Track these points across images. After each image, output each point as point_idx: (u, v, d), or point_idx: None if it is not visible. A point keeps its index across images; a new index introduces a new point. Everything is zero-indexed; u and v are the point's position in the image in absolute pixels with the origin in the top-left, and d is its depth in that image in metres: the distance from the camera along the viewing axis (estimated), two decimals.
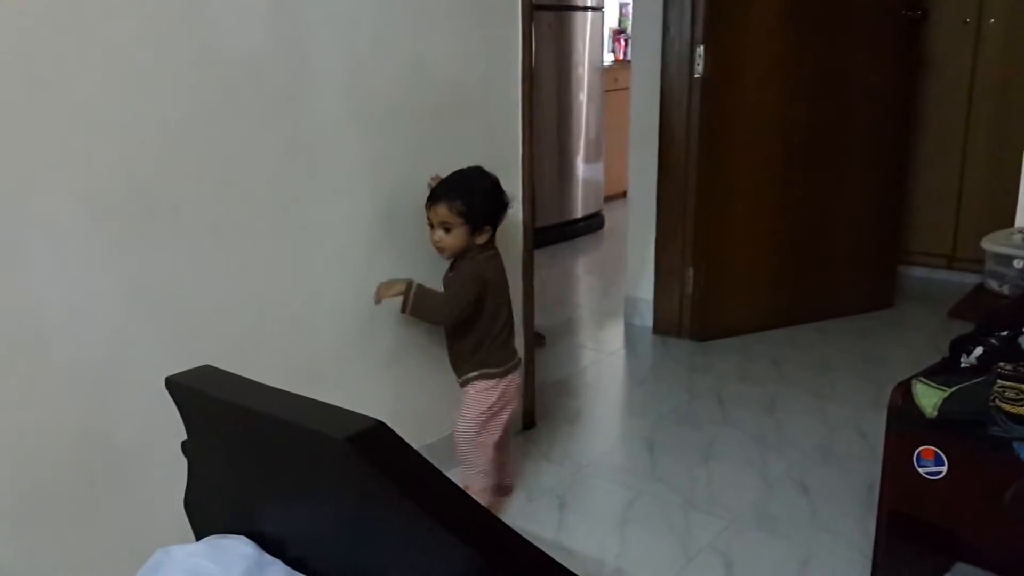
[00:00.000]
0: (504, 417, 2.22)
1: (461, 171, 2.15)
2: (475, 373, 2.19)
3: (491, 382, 2.18)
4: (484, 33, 2.40)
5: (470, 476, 2.20)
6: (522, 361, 2.31)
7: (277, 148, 1.94)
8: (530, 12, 2.51)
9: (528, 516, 2.29)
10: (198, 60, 1.76)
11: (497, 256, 2.17)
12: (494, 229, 2.14)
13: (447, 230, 2.08)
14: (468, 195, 2.07)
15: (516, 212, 2.59)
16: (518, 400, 2.30)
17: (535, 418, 2.81)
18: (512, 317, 2.24)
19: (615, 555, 2.13)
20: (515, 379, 2.23)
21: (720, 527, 2.23)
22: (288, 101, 1.95)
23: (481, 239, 2.11)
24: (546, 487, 2.44)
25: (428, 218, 2.11)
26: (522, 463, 2.57)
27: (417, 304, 2.11)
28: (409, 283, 2.11)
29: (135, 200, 1.70)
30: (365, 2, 2.07)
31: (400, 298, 2.11)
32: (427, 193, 2.12)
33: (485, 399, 2.18)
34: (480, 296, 2.13)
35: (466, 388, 2.21)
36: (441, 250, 2.12)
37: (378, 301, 2.14)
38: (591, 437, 2.80)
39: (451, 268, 2.18)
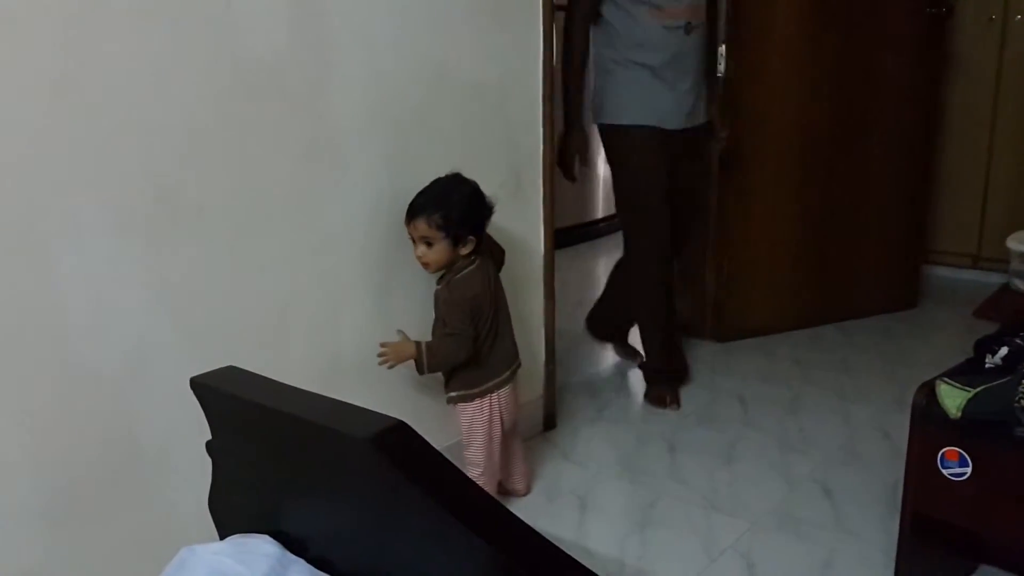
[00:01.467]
0: (498, 432, 2.19)
1: (438, 180, 2.09)
2: (455, 394, 2.17)
3: (473, 404, 2.16)
4: (505, 33, 2.41)
5: (471, 475, 2.20)
6: (514, 371, 2.25)
7: (299, 150, 1.96)
8: (551, 12, 2.51)
9: (548, 517, 2.29)
10: (221, 63, 1.78)
11: (482, 266, 2.12)
12: (479, 238, 2.09)
13: (429, 245, 2.04)
14: (446, 207, 2.01)
15: (537, 213, 2.60)
16: (513, 411, 2.26)
17: (556, 419, 2.81)
18: (499, 327, 2.19)
19: (636, 556, 2.12)
20: (502, 396, 2.18)
21: (742, 529, 2.22)
22: (310, 103, 1.96)
23: (465, 250, 2.06)
24: (566, 488, 2.44)
25: (409, 234, 2.07)
26: (542, 464, 2.58)
27: (431, 362, 2.09)
28: (417, 345, 2.08)
29: (159, 203, 1.72)
30: (385, 4, 2.09)
31: (413, 363, 2.09)
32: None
33: (473, 420, 2.17)
34: (475, 313, 2.10)
35: (454, 407, 2.20)
36: (426, 265, 2.07)
37: (391, 367, 2.09)
38: (612, 437, 2.80)
39: (440, 281, 2.13)
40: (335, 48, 1.99)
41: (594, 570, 0.97)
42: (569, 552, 0.94)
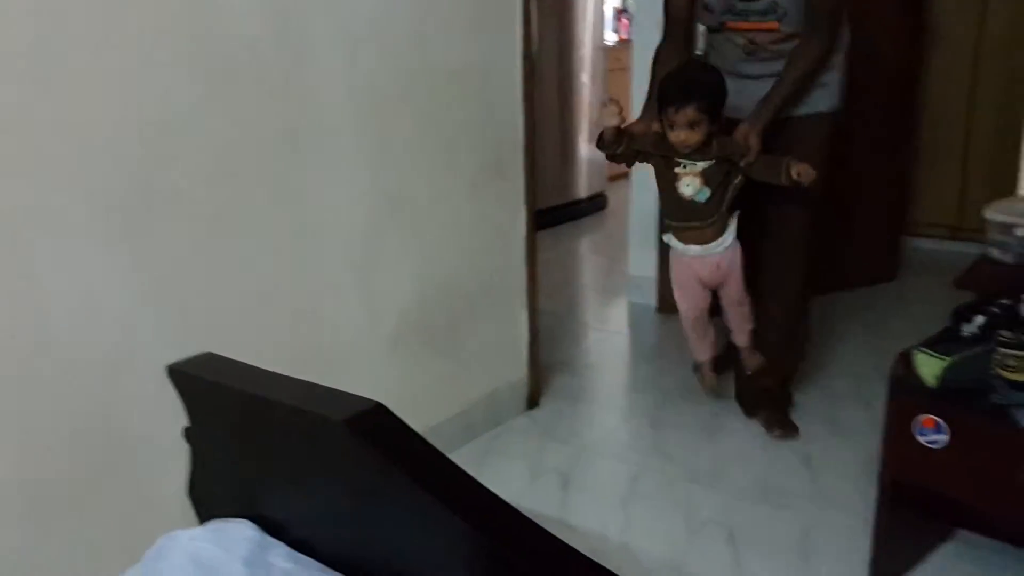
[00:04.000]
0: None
1: (690, 68, 2.32)
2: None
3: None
4: (484, 14, 2.40)
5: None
6: None
7: (277, 134, 1.95)
8: None
9: (532, 495, 2.31)
10: (197, 48, 1.76)
11: None
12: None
13: (692, 127, 2.19)
14: (711, 95, 2.21)
15: (518, 194, 2.60)
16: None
17: (539, 398, 2.82)
18: None
19: (619, 531, 2.14)
20: None
21: (723, 501, 2.24)
22: (288, 88, 1.95)
23: (714, 128, 2.24)
24: (550, 465, 2.46)
25: (669, 119, 2.21)
26: (525, 443, 2.59)
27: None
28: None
29: (136, 191, 1.70)
30: None
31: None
32: (431, 174, 2.13)
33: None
34: None
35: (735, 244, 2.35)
36: (687, 145, 2.23)
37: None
38: (595, 415, 2.82)
39: (697, 158, 2.26)
40: (313, 33, 1.97)
41: (577, 546, 0.97)
42: (552, 529, 0.95)
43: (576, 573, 0.95)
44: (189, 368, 1.17)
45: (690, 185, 2.28)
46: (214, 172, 1.84)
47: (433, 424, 2.36)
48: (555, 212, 5.02)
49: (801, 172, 2.16)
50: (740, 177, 2.28)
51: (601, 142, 2.34)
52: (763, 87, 2.32)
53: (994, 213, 2.09)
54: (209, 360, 1.19)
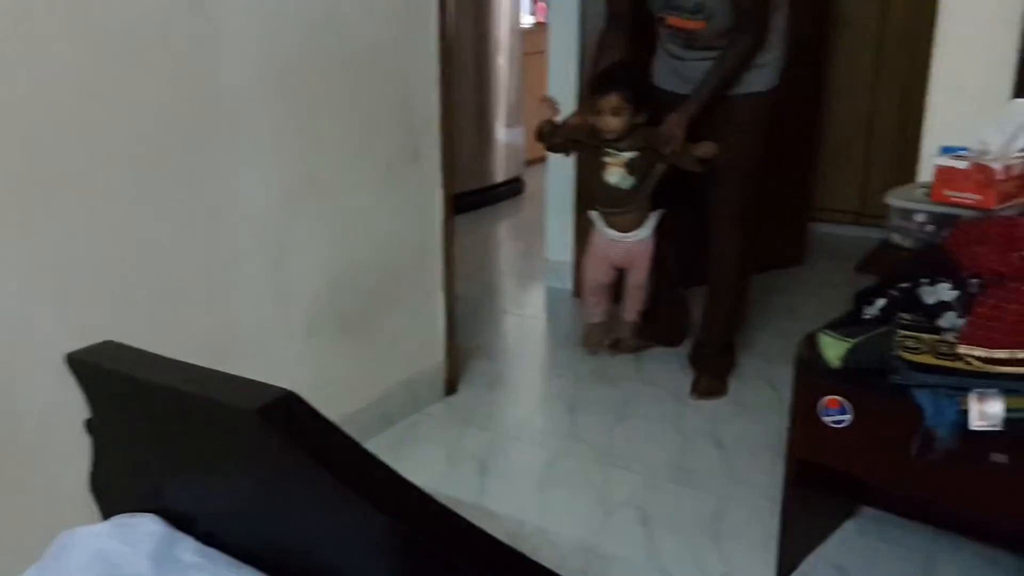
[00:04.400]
0: None
1: (617, 65, 2.56)
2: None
3: None
4: None
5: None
6: None
7: (186, 115, 1.88)
8: None
9: (450, 481, 2.30)
10: (97, 22, 1.68)
11: None
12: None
13: (616, 115, 2.50)
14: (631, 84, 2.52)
15: (435, 178, 2.57)
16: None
17: (457, 384, 2.82)
18: None
19: (536, 515, 2.16)
20: None
21: (638, 482, 2.28)
22: (195, 67, 1.88)
23: (640, 119, 2.54)
24: (468, 451, 2.46)
25: (599, 106, 2.51)
26: (443, 429, 2.58)
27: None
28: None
29: (34, 172, 1.62)
30: None
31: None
32: (345, 157, 2.17)
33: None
34: None
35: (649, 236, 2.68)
36: (609, 131, 2.54)
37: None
38: (512, 400, 2.83)
39: (623, 146, 2.57)
40: (220, 6, 1.90)
41: (495, 531, 0.97)
42: (470, 515, 0.95)
43: (492, 558, 0.94)
44: (89, 357, 1.12)
45: (615, 173, 2.57)
46: (116, 154, 1.76)
47: (349, 412, 2.33)
48: (472, 196, 5.00)
49: (704, 151, 2.44)
50: (661, 166, 2.57)
51: (540, 135, 2.65)
52: (702, 67, 2.51)
53: (895, 199, 2.16)
54: (110, 348, 1.14)
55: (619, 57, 2.62)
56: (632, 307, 2.88)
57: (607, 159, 2.57)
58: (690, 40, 2.52)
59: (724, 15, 2.40)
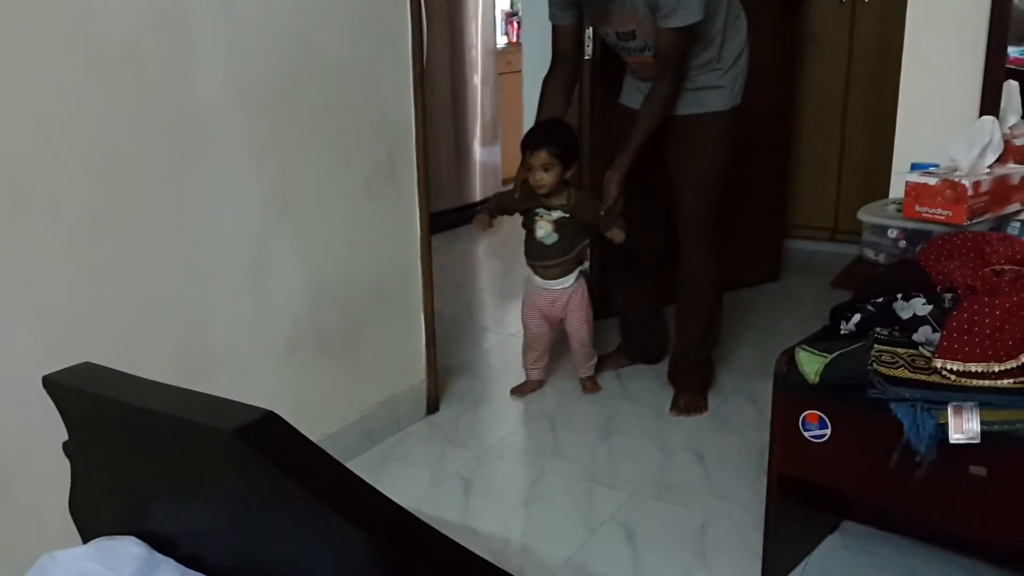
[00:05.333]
0: None
1: (547, 121, 2.66)
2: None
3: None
4: (372, 13, 2.37)
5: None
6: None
7: (159, 133, 1.88)
8: None
9: (433, 500, 2.29)
10: (72, 41, 1.68)
11: None
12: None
13: (546, 170, 2.60)
14: (559, 140, 2.61)
15: (412, 196, 2.58)
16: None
17: (439, 402, 2.81)
18: None
19: (520, 533, 2.15)
20: None
21: (621, 499, 2.28)
22: (169, 84, 1.88)
23: (569, 174, 2.67)
24: (451, 470, 2.45)
25: (528, 163, 2.62)
26: (426, 448, 2.58)
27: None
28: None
29: (6, 192, 1.61)
30: None
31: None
32: (322, 174, 2.18)
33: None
34: None
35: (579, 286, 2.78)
36: (541, 187, 2.63)
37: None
38: (495, 418, 2.82)
39: (553, 200, 2.67)
40: (194, 25, 1.91)
41: (480, 550, 0.97)
42: (455, 534, 0.94)
43: None
44: (66, 379, 1.11)
45: (543, 228, 2.70)
46: (89, 172, 1.75)
47: (330, 432, 2.31)
48: (450, 215, 5.01)
49: (613, 235, 2.61)
50: (587, 240, 2.78)
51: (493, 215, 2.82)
52: None
53: (867, 215, 2.19)
54: (88, 370, 1.13)
55: (556, 110, 2.71)
56: (580, 364, 2.93)
57: (537, 217, 2.70)
58: (648, 73, 2.59)
59: None
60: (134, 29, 1.79)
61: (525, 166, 2.64)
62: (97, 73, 1.73)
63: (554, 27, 2.69)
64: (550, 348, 2.96)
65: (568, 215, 2.68)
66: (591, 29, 3.08)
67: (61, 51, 1.66)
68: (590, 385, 2.94)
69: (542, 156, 2.59)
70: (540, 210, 2.70)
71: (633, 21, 2.46)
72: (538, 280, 2.80)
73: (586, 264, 2.82)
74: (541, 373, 2.96)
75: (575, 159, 2.67)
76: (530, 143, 2.62)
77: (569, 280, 2.78)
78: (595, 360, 2.96)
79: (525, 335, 2.93)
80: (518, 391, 2.93)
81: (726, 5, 2.52)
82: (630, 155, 2.53)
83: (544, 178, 2.61)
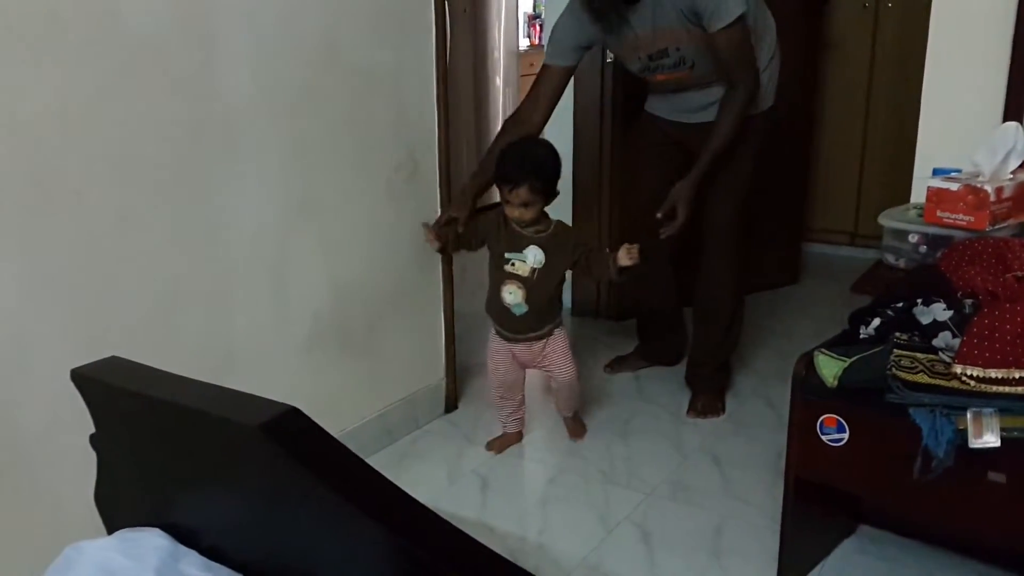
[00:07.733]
0: None
1: (528, 149, 2.35)
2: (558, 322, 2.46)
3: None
4: (396, 14, 2.39)
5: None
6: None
7: (184, 131, 1.90)
8: None
9: (451, 498, 2.31)
10: (99, 39, 1.71)
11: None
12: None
13: (526, 206, 2.29)
14: (544, 175, 2.31)
15: (434, 196, 2.59)
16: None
17: (457, 401, 2.83)
18: None
19: (537, 532, 2.16)
20: None
21: (637, 500, 2.28)
22: (194, 83, 1.90)
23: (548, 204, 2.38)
24: (469, 468, 2.46)
25: (505, 198, 2.32)
26: (444, 445, 2.59)
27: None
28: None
29: (34, 186, 1.64)
30: None
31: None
32: (345, 174, 2.16)
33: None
34: None
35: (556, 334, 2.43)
36: (521, 221, 2.34)
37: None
38: None
39: (536, 231, 2.36)
40: (220, 25, 1.93)
41: (496, 548, 0.98)
42: (472, 531, 0.96)
43: (495, 574, 0.95)
44: (93, 373, 1.13)
45: (512, 294, 2.36)
46: (118, 166, 1.78)
47: (350, 428, 2.33)
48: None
49: (619, 257, 2.33)
50: (560, 304, 2.45)
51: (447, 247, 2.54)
52: (695, 97, 2.54)
53: (888, 220, 2.18)
54: (114, 364, 1.15)
55: (532, 126, 2.52)
56: (565, 404, 2.59)
57: (508, 267, 2.35)
58: (680, 85, 2.54)
59: (706, 59, 2.41)
60: (160, 29, 1.81)
61: (503, 197, 2.32)
62: (123, 72, 1.76)
63: (545, 67, 2.54)
64: (525, 395, 2.60)
65: (546, 251, 2.34)
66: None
67: (87, 50, 1.69)
68: (575, 427, 2.62)
69: (522, 194, 2.26)
70: (513, 257, 2.34)
71: (670, 38, 2.38)
72: (505, 333, 2.45)
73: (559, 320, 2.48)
74: (520, 424, 2.60)
75: (556, 188, 2.36)
76: (511, 176, 2.28)
77: (544, 330, 2.43)
78: (580, 402, 2.63)
79: (495, 386, 2.53)
80: (495, 446, 2.55)
81: (754, 4, 2.47)
82: (701, 169, 2.43)
83: (525, 214, 2.30)
